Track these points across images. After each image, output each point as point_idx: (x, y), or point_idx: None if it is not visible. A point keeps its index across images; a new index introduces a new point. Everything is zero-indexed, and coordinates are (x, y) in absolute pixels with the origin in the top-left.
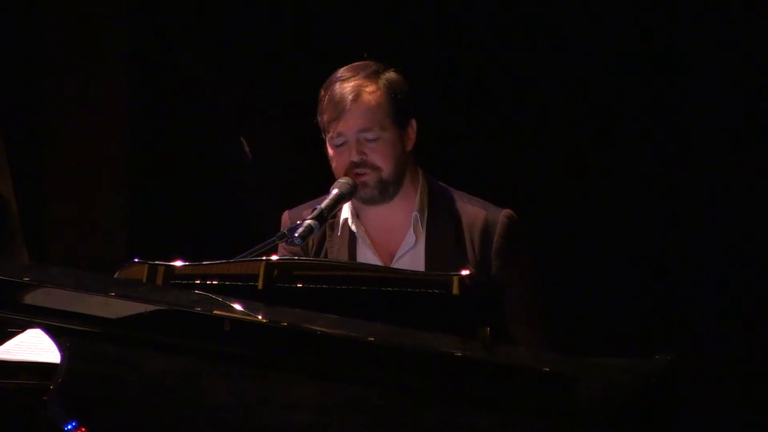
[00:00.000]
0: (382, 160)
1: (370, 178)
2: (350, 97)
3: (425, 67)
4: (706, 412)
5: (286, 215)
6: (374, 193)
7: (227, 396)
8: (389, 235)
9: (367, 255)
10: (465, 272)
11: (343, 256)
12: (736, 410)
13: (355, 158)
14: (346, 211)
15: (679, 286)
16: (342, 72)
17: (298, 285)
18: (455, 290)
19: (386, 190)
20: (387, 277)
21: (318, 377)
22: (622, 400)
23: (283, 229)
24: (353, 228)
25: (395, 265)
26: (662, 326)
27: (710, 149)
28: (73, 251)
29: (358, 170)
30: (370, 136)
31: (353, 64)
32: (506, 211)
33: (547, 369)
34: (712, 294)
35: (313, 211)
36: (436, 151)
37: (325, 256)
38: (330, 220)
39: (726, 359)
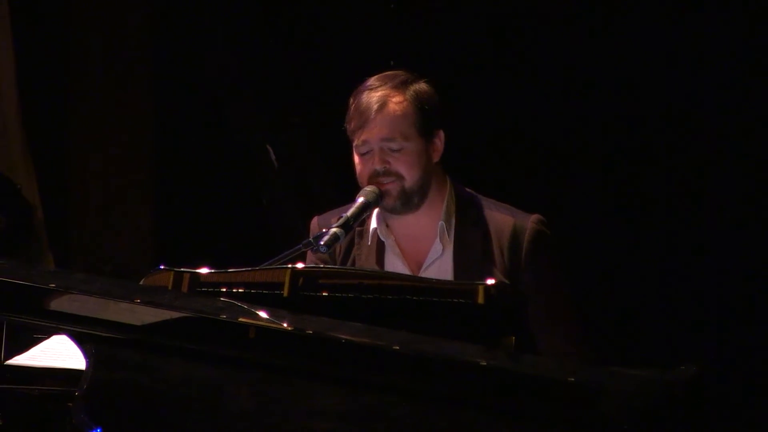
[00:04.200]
0: (405, 169)
1: (392, 187)
2: (376, 106)
3: (453, 75)
4: (730, 425)
5: (315, 221)
6: (397, 203)
7: (251, 403)
8: (417, 244)
9: (395, 264)
10: (490, 281)
11: (371, 265)
12: (763, 422)
13: (378, 167)
14: (375, 220)
15: (708, 297)
16: (372, 81)
17: (324, 293)
18: (480, 299)
19: (409, 200)
20: (412, 285)
21: (342, 385)
22: (646, 410)
23: (312, 234)
24: (382, 237)
25: (423, 274)
26: (689, 337)
27: (739, 157)
28: (98, 258)
29: (381, 179)
30: (393, 146)
31: (384, 74)
32: (535, 217)
33: (572, 379)
34: (742, 306)
35: (339, 219)
36: (464, 158)
37: (353, 263)
38: (358, 228)
39: (754, 371)
